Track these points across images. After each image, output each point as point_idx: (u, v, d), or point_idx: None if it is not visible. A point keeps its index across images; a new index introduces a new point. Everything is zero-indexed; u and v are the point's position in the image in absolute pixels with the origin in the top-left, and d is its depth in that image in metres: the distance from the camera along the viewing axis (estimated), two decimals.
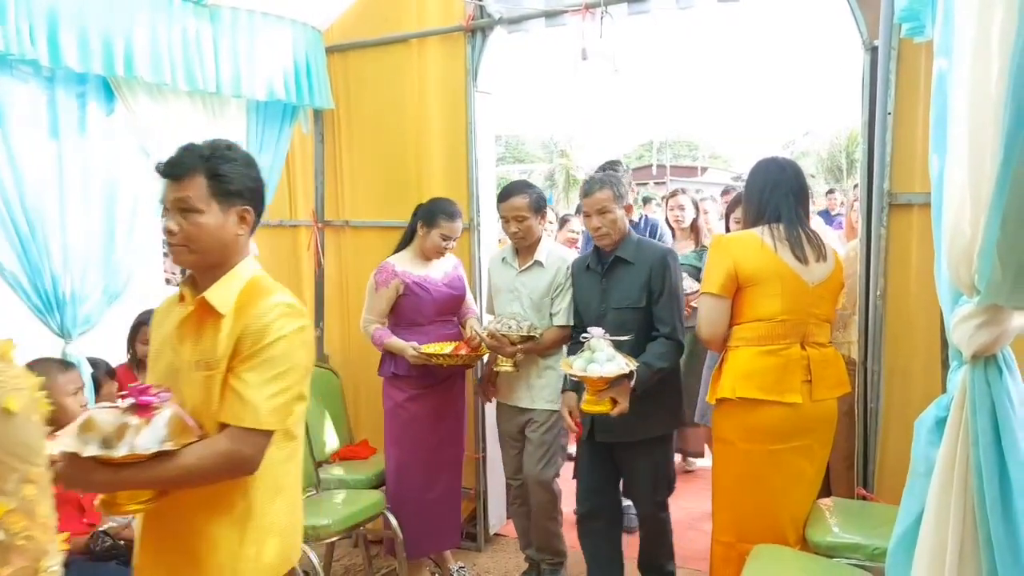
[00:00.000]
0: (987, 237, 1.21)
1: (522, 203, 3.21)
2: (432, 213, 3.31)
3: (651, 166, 36.28)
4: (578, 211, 5.20)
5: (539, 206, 3.29)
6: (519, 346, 3.17)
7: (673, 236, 4.69)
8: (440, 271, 3.40)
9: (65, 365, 2.62)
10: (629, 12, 3.39)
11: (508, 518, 4.12)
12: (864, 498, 2.89)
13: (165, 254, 4.08)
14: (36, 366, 2.53)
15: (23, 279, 2.88)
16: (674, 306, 2.87)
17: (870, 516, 2.60)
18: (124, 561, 2.43)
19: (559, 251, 3.38)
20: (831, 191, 12.47)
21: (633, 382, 2.65)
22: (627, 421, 2.72)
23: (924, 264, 2.76)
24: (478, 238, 3.86)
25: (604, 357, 2.61)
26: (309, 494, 3.44)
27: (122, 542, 2.44)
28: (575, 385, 2.93)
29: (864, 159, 2.93)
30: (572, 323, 3.15)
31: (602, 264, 2.97)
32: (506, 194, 3.27)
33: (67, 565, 2.33)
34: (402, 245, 3.46)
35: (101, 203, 3.16)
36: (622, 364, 2.61)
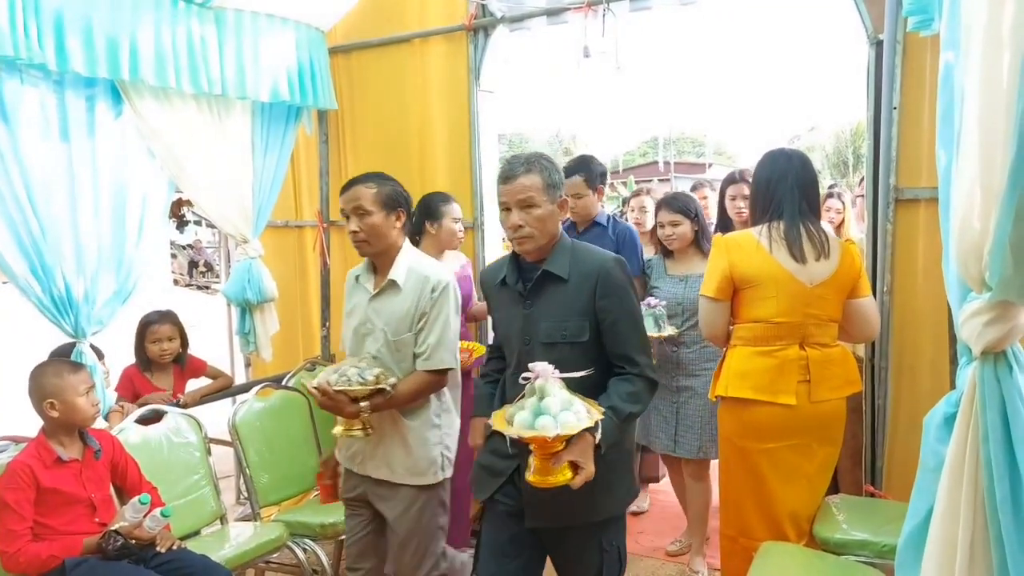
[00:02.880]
0: (998, 232, 1.21)
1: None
2: (431, 206, 3.32)
3: (656, 163, 36.20)
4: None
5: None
6: (363, 404, 2.34)
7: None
8: (449, 269, 3.40)
9: (76, 366, 2.63)
10: (631, 9, 3.39)
11: None
12: (872, 495, 2.88)
13: (172, 255, 4.10)
14: (48, 367, 2.54)
15: (35, 282, 2.90)
16: (635, 332, 2.09)
17: (878, 513, 2.59)
18: (136, 560, 2.44)
19: (424, 265, 2.50)
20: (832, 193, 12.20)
21: (598, 436, 1.86)
22: (568, 496, 1.87)
23: (931, 260, 2.75)
24: (482, 237, 3.86)
25: (557, 404, 1.80)
26: (317, 493, 3.45)
27: (133, 541, 2.44)
28: (486, 407, 2.22)
29: (870, 154, 2.92)
30: (445, 366, 2.43)
31: (524, 281, 2.14)
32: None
33: (80, 564, 2.36)
34: None
35: (110, 205, 3.17)
36: (583, 412, 1.83)
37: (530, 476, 1.86)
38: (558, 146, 35.76)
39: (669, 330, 3.22)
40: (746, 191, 3.37)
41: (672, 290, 3.37)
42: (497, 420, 1.89)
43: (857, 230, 4.00)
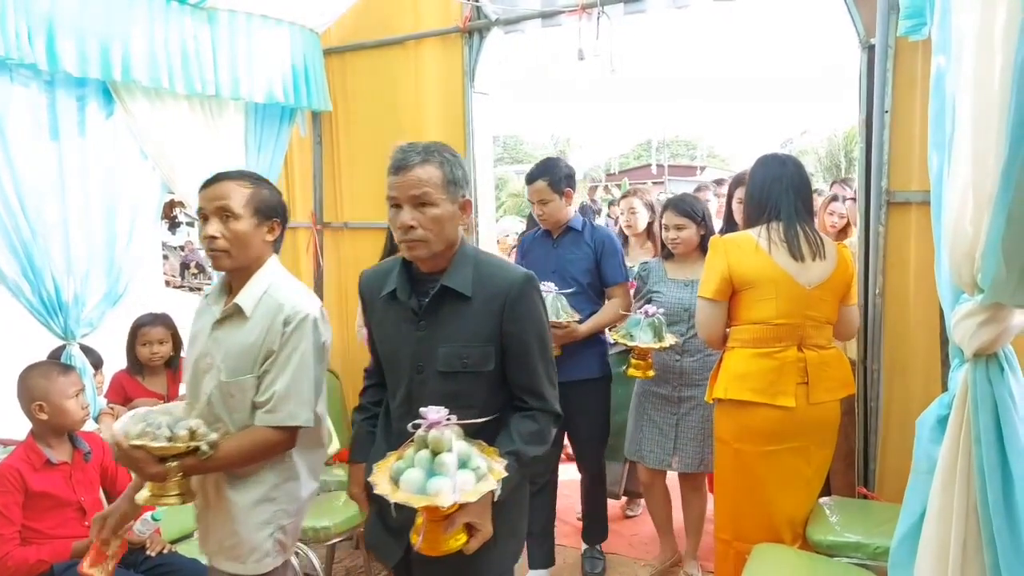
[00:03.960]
0: (991, 235, 1.21)
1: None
2: None
3: (650, 165, 36.27)
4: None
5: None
6: (172, 464, 1.80)
7: (626, 243, 4.15)
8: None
9: (65, 368, 2.61)
10: (625, 12, 3.39)
11: None
12: (865, 497, 2.89)
13: (164, 256, 4.08)
14: (36, 369, 2.53)
15: (24, 283, 2.88)
16: (544, 362, 1.83)
17: (871, 515, 2.60)
18: (126, 564, 2.42)
19: (283, 291, 1.97)
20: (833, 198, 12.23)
21: (499, 492, 1.58)
22: (457, 557, 1.62)
23: (923, 262, 2.76)
24: (476, 239, 3.85)
25: (454, 462, 1.51)
26: None
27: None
28: (365, 451, 2.00)
29: (862, 158, 2.93)
30: (293, 423, 1.90)
31: (418, 296, 1.82)
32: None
33: (69, 568, 2.34)
34: (385, 257, 3.47)
35: (101, 206, 3.16)
36: (483, 468, 1.56)
37: (418, 543, 1.56)
38: (551, 148, 35.79)
39: (670, 339, 3.06)
40: None
41: (677, 295, 3.23)
42: (379, 478, 1.55)
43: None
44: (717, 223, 3.94)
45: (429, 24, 3.82)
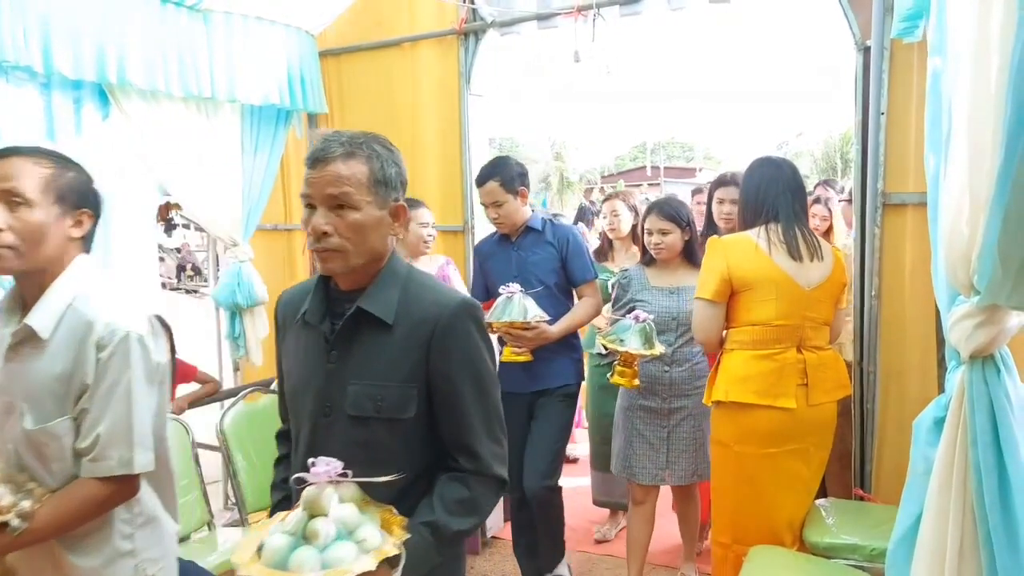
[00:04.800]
0: (987, 237, 1.21)
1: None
2: None
3: (645, 167, 36.35)
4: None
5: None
6: None
7: (610, 247, 3.95)
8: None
9: None
10: (621, 14, 3.40)
11: (505, 521, 4.12)
12: (861, 498, 2.89)
13: (160, 258, 4.06)
14: None
15: None
16: (482, 411, 1.47)
17: (868, 517, 2.60)
18: None
19: (94, 304, 1.54)
20: (817, 200, 12.24)
21: (398, 573, 1.26)
22: None
23: (919, 264, 2.77)
24: (472, 240, 3.85)
25: (331, 529, 1.21)
26: None
27: None
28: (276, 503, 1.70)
29: (858, 159, 2.94)
30: (128, 470, 1.52)
31: (333, 320, 1.49)
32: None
33: None
34: None
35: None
36: (374, 540, 1.23)
37: None
38: (548, 150, 35.84)
39: (660, 348, 2.90)
40: (735, 195, 3.25)
41: (663, 303, 3.06)
42: (242, 552, 1.23)
43: (845, 236, 4.01)
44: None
45: (425, 26, 3.82)
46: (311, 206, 1.42)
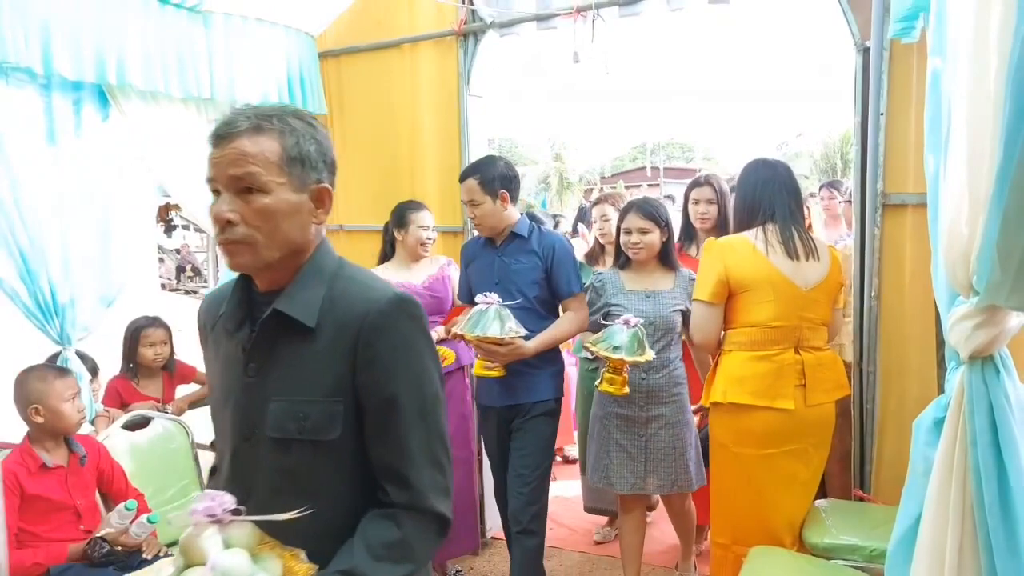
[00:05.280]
0: (986, 237, 1.21)
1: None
2: (401, 214, 3.32)
3: (645, 168, 36.36)
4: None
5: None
6: None
7: (602, 252, 3.82)
8: (423, 275, 3.37)
9: (61, 371, 2.61)
10: (620, 14, 3.40)
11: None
12: (861, 499, 2.89)
13: (160, 259, 4.06)
14: (33, 372, 2.52)
15: (21, 287, 2.88)
16: (420, 432, 1.25)
17: (867, 517, 2.60)
18: (122, 567, 2.42)
19: None
20: (812, 195, 12.16)
21: None
22: None
23: (918, 264, 2.77)
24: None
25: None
26: None
27: (119, 548, 2.43)
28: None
29: (857, 160, 2.94)
30: None
31: (251, 323, 1.30)
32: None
33: (65, 572, 2.34)
34: (382, 260, 3.48)
35: (97, 208, 3.15)
36: None
37: None
38: (547, 151, 35.83)
39: (649, 354, 2.75)
40: (710, 195, 3.36)
41: (639, 307, 2.91)
42: None
43: (826, 235, 4.00)
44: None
45: (424, 27, 3.82)
46: (216, 191, 1.22)
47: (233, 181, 1.19)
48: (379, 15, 3.93)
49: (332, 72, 4.09)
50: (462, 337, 2.80)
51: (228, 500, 1.06)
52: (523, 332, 2.74)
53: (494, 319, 2.70)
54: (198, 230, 12.77)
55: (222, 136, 1.20)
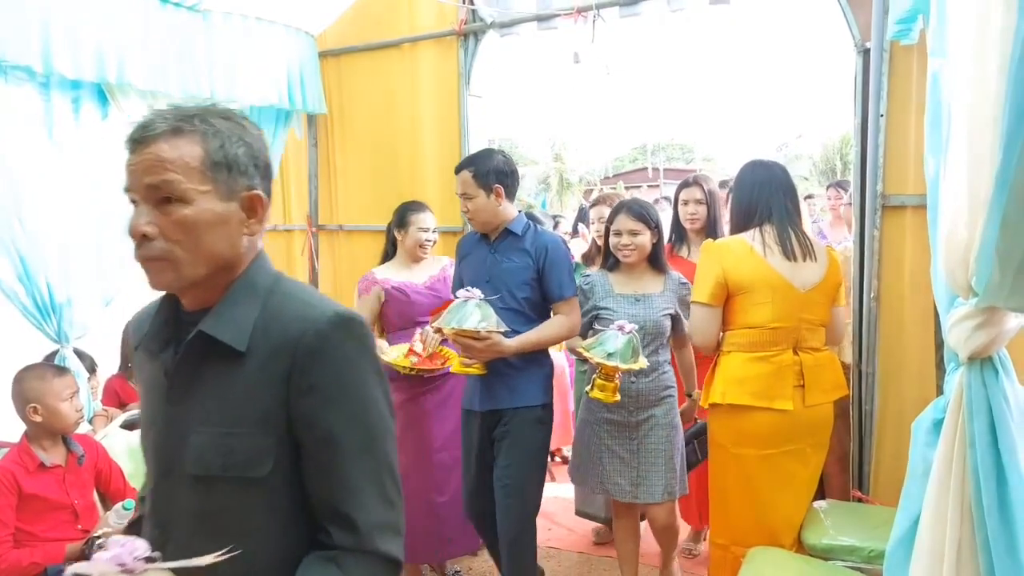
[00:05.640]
0: (985, 239, 1.22)
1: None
2: (402, 215, 3.32)
3: (646, 169, 36.38)
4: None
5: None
6: None
7: (599, 252, 3.58)
8: (424, 275, 3.37)
9: (60, 370, 2.60)
10: (620, 15, 3.40)
11: None
12: (860, 500, 2.89)
13: None
14: (31, 371, 2.52)
15: (19, 286, 2.88)
16: (366, 465, 1.12)
17: (866, 518, 2.60)
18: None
19: None
20: (809, 196, 12.06)
21: None
22: None
23: (917, 266, 2.77)
24: None
25: None
26: None
27: None
28: None
29: (857, 161, 2.94)
30: None
31: (176, 345, 1.17)
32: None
33: (62, 571, 2.33)
34: (384, 260, 3.48)
35: (95, 207, 3.15)
36: None
37: None
38: (547, 151, 35.86)
39: (643, 361, 2.69)
40: (699, 195, 3.38)
41: (628, 311, 2.84)
42: None
43: (831, 236, 4.01)
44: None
45: (425, 27, 3.82)
46: (131, 194, 1.10)
47: (150, 191, 1.07)
48: (379, 15, 3.93)
49: (332, 72, 4.10)
50: (440, 331, 2.73)
51: (140, 547, 0.96)
52: (503, 328, 2.63)
53: (472, 312, 2.61)
54: None
55: (138, 140, 1.09)
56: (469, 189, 2.76)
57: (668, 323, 2.89)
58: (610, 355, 2.62)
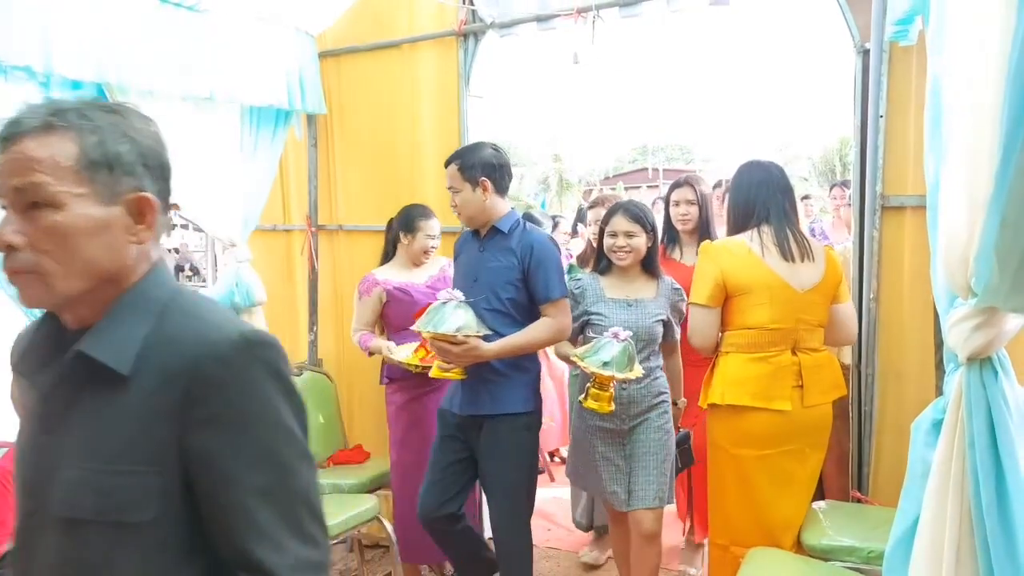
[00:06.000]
0: (985, 239, 1.22)
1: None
2: (410, 219, 3.32)
3: (646, 169, 36.39)
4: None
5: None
6: None
7: (595, 254, 3.38)
8: (424, 276, 3.38)
9: None
10: (621, 16, 3.40)
11: None
12: (859, 501, 2.89)
13: None
14: None
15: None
16: (286, 501, 0.98)
17: (865, 519, 2.60)
18: None
19: None
20: (806, 196, 12.01)
21: None
22: None
23: (917, 267, 2.77)
24: None
25: None
26: None
27: None
28: None
29: (856, 162, 2.94)
30: None
31: (61, 373, 1.00)
32: None
33: None
34: (384, 261, 3.48)
35: None
36: None
37: None
38: (547, 152, 35.88)
39: (638, 370, 2.60)
40: (690, 196, 3.37)
41: (620, 316, 2.75)
42: None
43: (833, 237, 4.02)
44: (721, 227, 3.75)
45: (424, 27, 3.82)
46: (3, 207, 0.97)
47: (16, 194, 0.94)
48: (379, 15, 3.93)
49: (332, 72, 4.09)
50: (419, 335, 2.68)
51: None
52: (483, 331, 2.55)
53: (451, 315, 2.52)
54: (197, 229, 12.78)
55: (5, 138, 0.96)
56: (455, 182, 2.69)
57: (660, 330, 2.82)
58: (605, 364, 2.53)
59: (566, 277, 2.81)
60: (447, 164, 2.75)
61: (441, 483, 2.77)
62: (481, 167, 2.67)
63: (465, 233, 2.95)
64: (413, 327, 2.76)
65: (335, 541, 3.25)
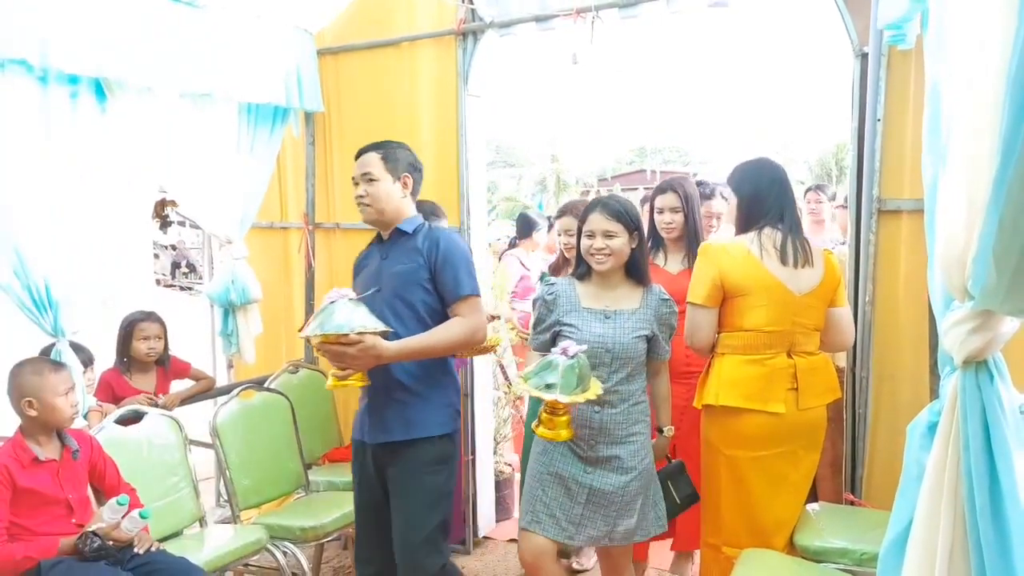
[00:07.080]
0: (983, 242, 1.22)
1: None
2: (425, 217, 3.31)
3: (644, 171, 36.35)
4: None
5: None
6: None
7: (567, 263, 3.36)
8: None
9: (56, 365, 2.60)
10: (620, 16, 3.40)
11: (498, 521, 4.12)
12: (852, 503, 2.90)
13: (155, 255, 4.06)
14: (28, 365, 2.51)
15: (15, 280, 2.86)
16: None
17: (858, 521, 2.61)
18: (114, 561, 2.41)
19: None
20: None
21: None
22: None
23: (913, 270, 2.78)
24: (468, 241, 3.85)
25: None
26: (298, 496, 3.43)
27: (111, 542, 2.42)
28: None
29: (854, 165, 2.94)
30: None
31: None
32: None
33: (56, 565, 2.33)
34: None
35: (92, 203, 3.14)
36: None
37: None
38: (545, 152, 35.85)
39: (595, 389, 2.30)
40: (674, 202, 3.09)
41: (595, 330, 2.46)
42: None
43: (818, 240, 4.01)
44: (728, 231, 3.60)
45: (423, 26, 3.82)
46: None
47: None
48: (378, 13, 3.93)
49: (330, 69, 4.09)
50: (307, 341, 2.40)
51: None
52: (380, 328, 2.29)
53: (341, 315, 2.26)
54: (194, 226, 12.74)
55: None
56: (374, 170, 2.47)
57: (642, 346, 2.50)
58: (549, 386, 2.23)
59: (538, 284, 2.61)
60: (362, 152, 2.53)
61: (371, 534, 2.53)
62: (406, 164, 2.53)
63: (364, 251, 2.70)
64: (300, 333, 2.51)
65: (329, 539, 3.25)
